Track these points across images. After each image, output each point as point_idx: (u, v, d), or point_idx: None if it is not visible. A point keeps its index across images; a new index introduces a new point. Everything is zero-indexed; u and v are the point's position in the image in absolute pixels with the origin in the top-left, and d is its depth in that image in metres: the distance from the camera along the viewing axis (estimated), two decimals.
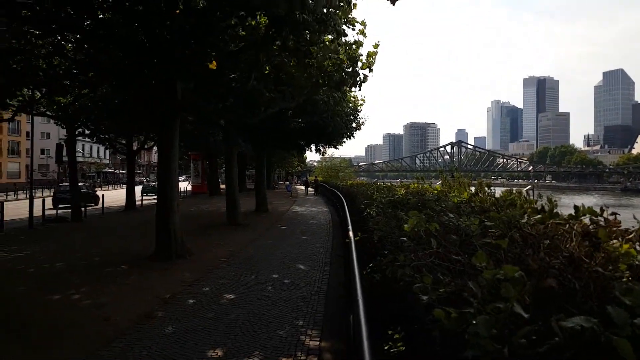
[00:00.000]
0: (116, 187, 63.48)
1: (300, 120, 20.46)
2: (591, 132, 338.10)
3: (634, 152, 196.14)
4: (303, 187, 53.69)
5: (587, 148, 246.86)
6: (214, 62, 10.97)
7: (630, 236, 1.88)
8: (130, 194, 25.94)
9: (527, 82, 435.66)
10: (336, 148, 34.67)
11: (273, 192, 46.69)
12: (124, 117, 20.78)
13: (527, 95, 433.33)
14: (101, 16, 10.61)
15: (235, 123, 17.52)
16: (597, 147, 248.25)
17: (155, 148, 45.69)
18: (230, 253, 11.60)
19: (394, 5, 5.60)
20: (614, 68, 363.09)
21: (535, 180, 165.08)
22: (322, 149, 27.77)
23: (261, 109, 14.72)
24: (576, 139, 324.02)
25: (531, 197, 4.18)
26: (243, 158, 43.49)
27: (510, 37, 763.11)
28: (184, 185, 52.44)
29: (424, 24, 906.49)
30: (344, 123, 22.55)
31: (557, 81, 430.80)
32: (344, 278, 8.04)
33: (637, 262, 1.62)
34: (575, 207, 2.30)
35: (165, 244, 10.84)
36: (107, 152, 75.72)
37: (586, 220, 2.23)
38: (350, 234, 6.82)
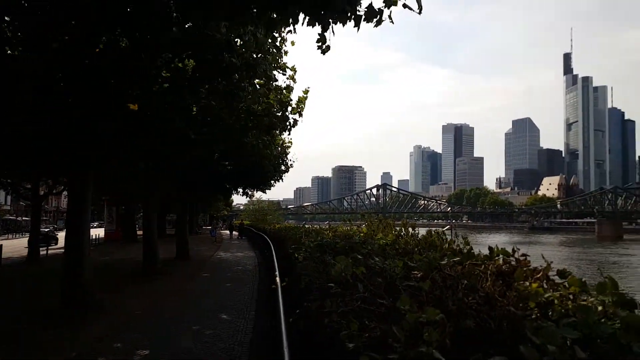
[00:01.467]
0: (18, 235, 57.47)
1: (227, 163, 20.22)
2: (502, 175, 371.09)
3: (540, 193, 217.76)
4: (228, 232, 52.68)
5: (499, 190, 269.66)
6: (136, 104, 10.63)
7: (539, 275, 2.04)
8: (33, 243, 23.53)
9: (445, 128, 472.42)
10: (264, 192, 34.43)
11: (196, 237, 44.92)
12: (29, 161, 19.08)
13: (445, 141, 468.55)
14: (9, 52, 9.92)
15: (157, 166, 16.87)
16: (508, 189, 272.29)
17: (65, 192, 42.36)
18: (147, 305, 10.81)
19: (324, 55, 5.86)
20: (522, 117, 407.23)
21: (454, 221, 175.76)
22: (249, 192, 27.50)
23: (187, 152, 14.38)
24: (489, 182, 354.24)
25: (450, 237, 4.44)
26: (164, 202, 41.66)
27: (432, 88, 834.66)
28: (97, 232, 48.75)
29: (353, 72, 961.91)
30: (272, 166, 22.65)
31: (473, 128, 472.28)
32: (270, 326, 7.81)
33: (543, 300, 1.75)
34: (490, 249, 2.48)
35: (73, 297, 9.87)
36: (9, 197, 68.76)
37: (500, 260, 2.40)
38: (277, 279, 6.69)
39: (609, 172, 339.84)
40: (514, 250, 2.36)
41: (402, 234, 5.12)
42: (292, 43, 12.65)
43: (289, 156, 24.81)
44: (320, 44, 5.69)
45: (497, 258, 2.44)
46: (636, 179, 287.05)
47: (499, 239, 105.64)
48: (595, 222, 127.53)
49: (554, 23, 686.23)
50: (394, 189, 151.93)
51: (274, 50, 11.79)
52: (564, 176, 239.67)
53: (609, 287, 1.62)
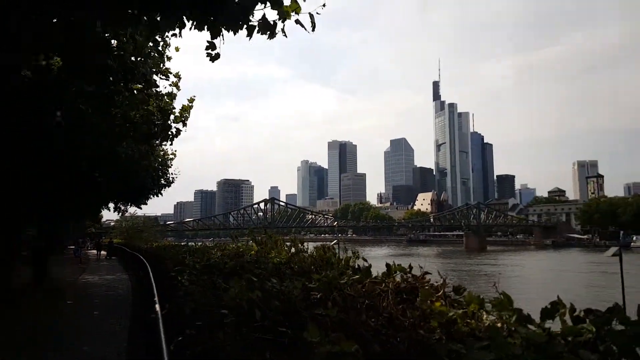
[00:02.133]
0: None
1: (97, 174, 18.36)
2: (383, 190, 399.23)
3: (415, 208, 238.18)
4: (95, 251, 48.29)
5: (380, 205, 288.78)
6: None
7: (439, 293, 2.11)
8: None
9: (331, 145, 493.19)
10: (139, 207, 32.03)
11: (60, 258, 39.92)
12: None
13: (331, 156, 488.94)
14: None
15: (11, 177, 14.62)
16: (388, 204, 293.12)
17: None
18: None
19: (213, 62, 5.60)
20: (399, 137, 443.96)
21: (340, 235, 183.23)
22: (122, 207, 25.32)
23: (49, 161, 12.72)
24: (372, 197, 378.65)
25: (339, 251, 4.50)
26: (18, 219, 36.27)
27: (318, 105, 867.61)
28: None
29: (240, 82, 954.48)
30: (150, 179, 21.18)
31: (356, 145, 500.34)
32: None
33: (446, 320, 1.79)
34: (388, 266, 2.51)
35: None
36: None
37: (398, 277, 2.44)
38: (157, 306, 6.15)
39: (472, 189, 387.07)
40: (410, 267, 2.42)
41: (297, 251, 5.05)
42: (177, 49, 12.05)
43: (170, 169, 23.44)
44: (209, 50, 5.45)
45: (395, 275, 2.49)
46: (495, 196, 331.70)
47: (382, 252, 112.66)
48: (463, 235, 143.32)
49: (424, 52, 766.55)
50: (281, 203, 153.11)
51: (156, 54, 11.11)
52: (435, 192, 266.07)
53: (505, 303, 1.72)
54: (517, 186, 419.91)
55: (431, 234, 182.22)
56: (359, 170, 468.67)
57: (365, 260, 2.89)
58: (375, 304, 2.17)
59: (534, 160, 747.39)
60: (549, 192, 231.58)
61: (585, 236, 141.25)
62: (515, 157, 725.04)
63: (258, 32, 5.09)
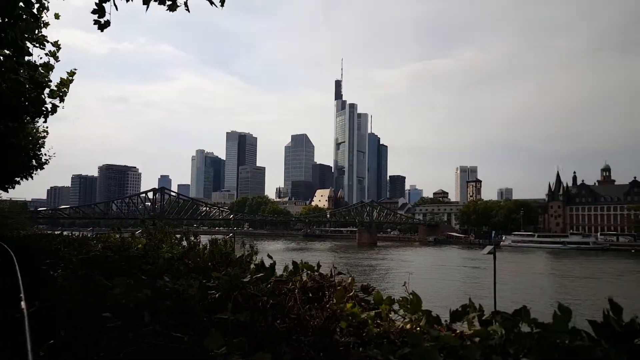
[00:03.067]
0: None
1: None
2: (282, 185, 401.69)
3: (313, 204, 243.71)
4: None
5: (278, 199, 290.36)
6: None
7: (351, 294, 2.07)
8: None
9: (229, 136, 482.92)
10: (5, 190, 28.16)
11: None
12: None
13: (229, 148, 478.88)
14: None
15: None
16: (286, 199, 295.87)
17: None
18: None
19: (102, 31, 5.00)
20: (300, 133, 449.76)
21: (235, 228, 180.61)
22: None
23: None
24: (270, 191, 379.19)
25: (232, 244, 4.34)
26: None
27: (218, 94, 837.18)
28: None
29: (131, 63, 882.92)
30: (19, 160, 18.66)
31: (256, 138, 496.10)
32: None
33: (356, 322, 1.75)
34: (294, 264, 2.43)
35: None
36: None
37: (304, 275, 2.37)
38: (23, 303, 5.39)
39: (367, 188, 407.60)
40: (319, 265, 2.37)
41: (192, 245, 4.75)
42: (56, 16, 10.69)
43: (43, 149, 20.88)
44: (97, 16, 4.85)
45: (301, 273, 2.41)
46: (387, 195, 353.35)
47: (278, 246, 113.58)
48: (356, 231, 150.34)
49: (329, 50, 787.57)
50: (173, 193, 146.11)
51: (30, 17, 9.74)
52: (332, 189, 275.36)
53: (415, 304, 1.73)
54: (407, 187, 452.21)
55: (327, 229, 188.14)
56: (259, 163, 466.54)
57: (270, 257, 2.77)
58: (281, 304, 2.07)
59: (422, 163, 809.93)
60: (434, 194, 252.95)
61: (463, 235, 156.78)
62: (407, 160, 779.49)
63: (156, 0, 4.67)
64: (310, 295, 2.19)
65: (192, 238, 5.21)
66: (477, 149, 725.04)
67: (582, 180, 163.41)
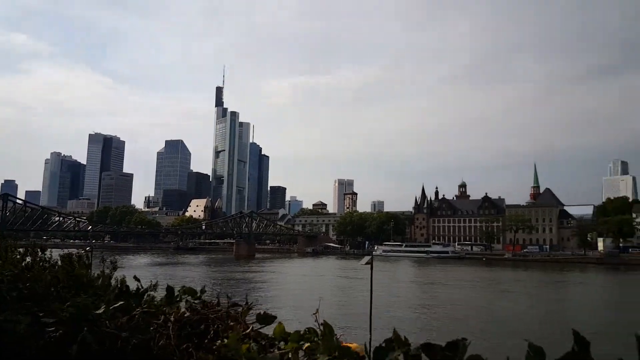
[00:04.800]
0: None
1: None
2: (152, 194, 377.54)
3: (187, 214, 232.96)
4: None
5: (147, 209, 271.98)
6: None
7: (248, 331, 1.63)
8: None
9: (93, 138, 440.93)
10: None
11: None
12: None
13: (92, 151, 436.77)
14: None
15: None
16: (157, 209, 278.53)
17: None
18: None
19: None
20: (176, 138, 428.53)
21: (94, 241, 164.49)
22: None
23: None
24: (138, 200, 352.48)
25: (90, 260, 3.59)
26: None
27: (79, 91, 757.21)
28: None
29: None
30: None
31: (124, 142, 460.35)
32: None
33: None
34: (169, 289, 1.92)
35: None
36: None
37: (182, 305, 1.88)
38: None
39: (247, 198, 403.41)
40: (202, 290, 1.89)
41: (33, 262, 3.83)
42: None
43: None
44: None
45: (179, 301, 1.91)
46: (267, 206, 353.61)
47: (144, 261, 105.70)
48: (234, 243, 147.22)
49: (211, 56, 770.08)
50: (19, 201, 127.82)
51: None
52: (209, 199, 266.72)
53: (327, 337, 1.39)
54: (288, 197, 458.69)
55: (202, 241, 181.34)
56: (126, 169, 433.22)
57: (137, 279, 2.19)
58: (149, 344, 1.57)
59: (304, 174, 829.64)
60: (313, 205, 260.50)
61: (340, 245, 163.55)
62: (288, 171, 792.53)
63: None
64: (191, 330, 1.73)
65: (40, 253, 4.25)
66: (354, 163, 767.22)
67: (443, 195, 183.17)
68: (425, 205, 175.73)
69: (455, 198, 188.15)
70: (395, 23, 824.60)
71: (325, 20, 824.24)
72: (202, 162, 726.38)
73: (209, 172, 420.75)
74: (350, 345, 1.42)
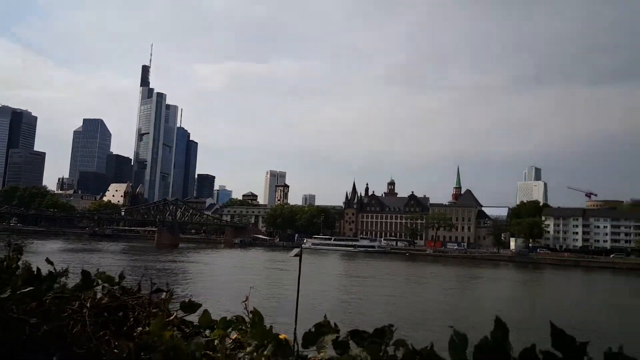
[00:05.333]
0: None
1: None
2: (67, 175, 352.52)
3: (105, 199, 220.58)
4: None
5: (60, 191, 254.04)
6: None
7: (171, 318, 1.57)
8: None
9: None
10: None
11: None
12: None
13: None
14: None
15: None
16: (71, 192, 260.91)
17: None
18: None
19: None
20: (95, 117, 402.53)
21: None
22: None
23: None
24: (50, 182, 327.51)
25: None
26: None
27: None
28: None
29: None
30: None
31: (36, 117, 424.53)
32: None
33: (172, 353, 1.30)
34: (85, 273, 1.81)
35: None
36: None
37: (99, 290, 1.79)
38: None
39: (172, 185, 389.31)
40: (121, 276, 1.81)
41: None
42: None
43: None
44: None
45: (95, 286, 1.82)
46: (194, 194, 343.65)
47: (56, 246, 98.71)
48: (156, 231, 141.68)
49: (137, 33, 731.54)
50: None
51: None
52: (131, 184, 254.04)
53: (259, 328, 1.39)
54: (216, 187, 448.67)
55: (121, 228, 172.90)
56: (37, 148, 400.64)
57: (50, 262, 2.05)
58: (62, 331, 1.49)
59: (235, 164, 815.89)
60: (243, 196, 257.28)
61: (269, 237, 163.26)
62: (218, 159, 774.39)
63: None
64: (109, 316, 1.65)
65: None
66: (288, 155, 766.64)
67: (373, 192, 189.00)
68: (356, 200, 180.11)
69: (384, 195, 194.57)
70: (338, 19, 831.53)
71: (266, 5, 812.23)
72: (123, 144, 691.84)
73: (131, 155, 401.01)
74: (280, 335, 1.44)
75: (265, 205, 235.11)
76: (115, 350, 1.37)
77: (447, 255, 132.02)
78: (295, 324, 1.40)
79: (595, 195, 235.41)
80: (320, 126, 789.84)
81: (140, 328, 1.51)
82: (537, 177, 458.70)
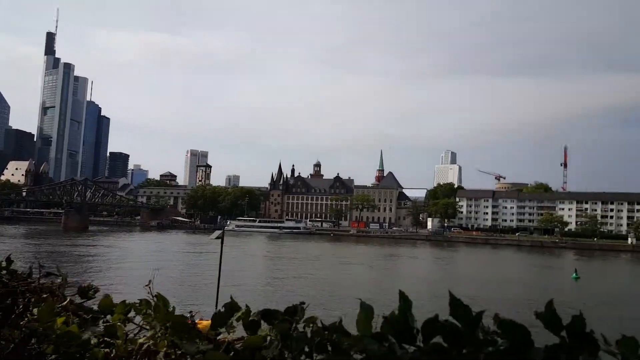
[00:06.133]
0: None
1: None
2: None
3: (4, 178, 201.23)
4: None
5: None
6: None
7: (64, 302, 1.43)
8: None
9: None
10: None
11: None
12: None
13: None
14: None
15: None
16: None
17: None
18: None
19: None
20: None
21: None
22: None
23: None
24: None
25: None
26: None
27: None
28: None
29: None
30: None
31: None
32: None
33: (73, 345, 1.24)
34: None
35: None
36: None
37: None
38: None
39: (81, 164, 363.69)
40: (9, 260, 1.64)
41: None
42: None
43: None
44: None
45: None
46: (106, 174, 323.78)
47: None
48: (62, 213, 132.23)
49: None
50: None
51: None
52: (33, 162, 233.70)
53: (162, 311, 1.32)
54: (131, 166, 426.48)
55: (22, 210, 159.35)
56: None
57: None
58: None
59: (151, 142, 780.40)
60: (161, 176, 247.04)
61: (189, 219, 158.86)
62: (133, 137, 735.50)
63: None
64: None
65: None
66: (210, 134, 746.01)
67: (299, 173, 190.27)
68: (282, 182, 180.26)
69: (310, 177, 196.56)
70: None
71: None
72: (24, 118, 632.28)
73: (34, 130, 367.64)
74: (202, 322, 1.40)
75: (185, 186, 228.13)
76: (1, 341, 1.35)
77: (370, 235, 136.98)
78: (217, 308, 1.36)
79: (504, 178, 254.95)
80: (245, 105, 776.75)
81: (29, 315, 1.38)
82: (453, 160, 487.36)
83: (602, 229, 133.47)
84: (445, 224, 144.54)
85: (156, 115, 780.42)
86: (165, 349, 1.30)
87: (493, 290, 41.38)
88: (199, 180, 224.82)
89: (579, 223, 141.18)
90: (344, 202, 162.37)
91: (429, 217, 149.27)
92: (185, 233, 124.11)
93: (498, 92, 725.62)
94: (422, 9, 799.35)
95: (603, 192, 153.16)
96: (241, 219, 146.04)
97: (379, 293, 34.65)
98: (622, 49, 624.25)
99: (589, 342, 0.94)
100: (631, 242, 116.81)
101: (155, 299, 1.38)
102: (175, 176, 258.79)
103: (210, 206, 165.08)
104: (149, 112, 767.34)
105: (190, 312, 1.48)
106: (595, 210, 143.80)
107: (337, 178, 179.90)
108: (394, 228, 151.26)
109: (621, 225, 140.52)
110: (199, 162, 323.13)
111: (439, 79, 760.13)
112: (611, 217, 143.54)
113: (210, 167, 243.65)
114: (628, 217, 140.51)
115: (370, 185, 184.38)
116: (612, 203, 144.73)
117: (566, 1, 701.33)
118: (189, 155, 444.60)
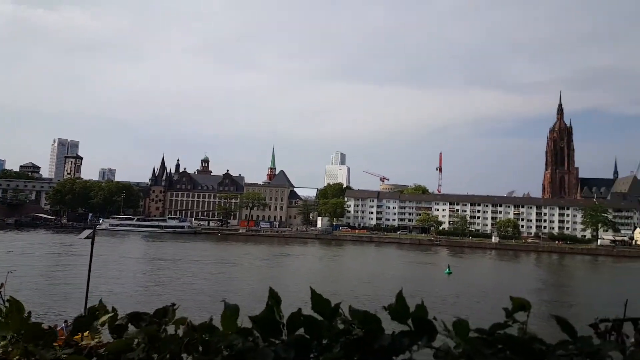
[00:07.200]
0: None
1: None
2: None
3: None
4: None
5: None
6: None
7: None
8: None
9: None
10: None
11: None
12: None
13: None
14: None
15: None
16: None
17: None
18: None
19: None
20: None
21: None
22: None
23: None
24: None
25: None
26: None
27: None
28: None
29: None
30: None
31: None
32: None
33: None
34: None
35: None
36: None
37: None
38: None
39: None
40: None
41: None
42: None
43: None
44: None
45: None
46: None
47: None
48: None
49: None
50: None
51: None
52: None
53: (14, 315, 1.25)
54: None
55: None
56: None
57: None
58: None
59: (7, 128, 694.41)
60: (20, 167, 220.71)
61: (54, 217, 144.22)
62: None
63: None
64: None
65: None
66: (82, 121, 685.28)
67: (185, 168, 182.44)
68: (164, 177, 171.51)
69: (197, 172, 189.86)
70: None
71: None
72: None
73: None
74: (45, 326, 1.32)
75: (50, 179, 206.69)
76: None
77: (260, 234, 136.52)
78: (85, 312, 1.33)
79: (388, 179, 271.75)
80: (127, 94, 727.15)
81: None
82: (342, 161, 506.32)
83: (470, 228, 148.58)
84: (334, 223, 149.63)
85: (14, 96, 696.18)
86: (18, 357, 1.24)
87: (373, 286, 44.08)
88: (68, 173, 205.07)
89: (451, 222, 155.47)
90: (233, 200, 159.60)
91: (319, 216, 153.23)
92: (50, 232, 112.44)
93: (382, 99, 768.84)
94: (315, 9, 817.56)
95: (472, 194, 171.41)
96: (116, 217, 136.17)
97: (255, 293, 34.94)
98: (483, 67, 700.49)
99: (429, 328, 1.09)
100: (495, 240, 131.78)
101: (7, 304, 1.32)
102: (39, 168, 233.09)
103: (80, 202, 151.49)
104: (8, 94, 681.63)
105: (66, 321, 1.44)
106: (465, 211, 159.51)
107: (227, 175, 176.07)
108: (285, 227, 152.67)
109: (487, 225, 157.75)
110: (68, 152, 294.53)
111: (335, 83, 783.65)
112: (478, 217, 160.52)
113: (81, 158, 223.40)
114: (492, 218, 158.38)
115: (262, 183, 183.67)
116: (479, 205, 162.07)
117: (445, 21, 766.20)
118: (56, 144, 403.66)
